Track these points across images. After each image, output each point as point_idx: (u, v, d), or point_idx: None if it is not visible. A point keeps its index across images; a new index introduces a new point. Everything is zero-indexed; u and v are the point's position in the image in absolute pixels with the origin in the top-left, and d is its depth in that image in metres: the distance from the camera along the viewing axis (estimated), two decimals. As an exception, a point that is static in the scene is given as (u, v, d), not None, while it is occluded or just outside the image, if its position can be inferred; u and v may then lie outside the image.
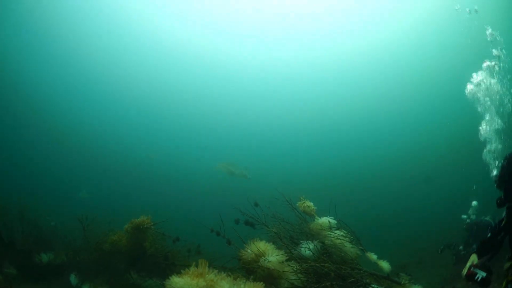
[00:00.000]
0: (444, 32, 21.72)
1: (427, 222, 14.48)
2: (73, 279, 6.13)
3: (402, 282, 4.81)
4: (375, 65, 27.77)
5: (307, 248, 4.29)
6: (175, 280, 3.91)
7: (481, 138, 6.90)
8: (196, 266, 3.84)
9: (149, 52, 27.57)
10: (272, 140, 30.32)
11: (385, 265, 4.63)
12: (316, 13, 24.22)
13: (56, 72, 26.49)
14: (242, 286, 4.06)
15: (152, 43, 26.91)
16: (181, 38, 26.95)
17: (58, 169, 21.20)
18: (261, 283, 4.05)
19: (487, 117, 7.05)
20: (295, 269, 4.16)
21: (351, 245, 4.24)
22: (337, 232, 4.37)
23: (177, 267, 4.89)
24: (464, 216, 6.86)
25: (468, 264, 3.28)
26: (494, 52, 9.08)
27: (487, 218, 6.66)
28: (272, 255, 4.28)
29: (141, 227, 4.91)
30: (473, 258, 3.27)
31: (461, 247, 6.63)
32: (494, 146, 6.55)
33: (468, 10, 14.85)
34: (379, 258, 4.68)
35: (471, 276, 3.18)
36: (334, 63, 28.18)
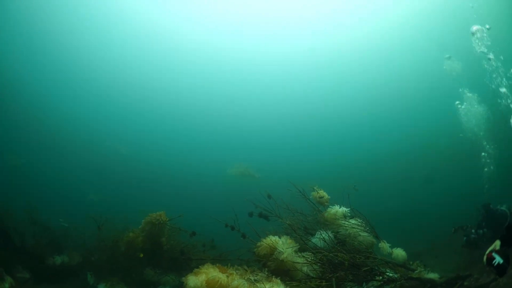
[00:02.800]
0: (445, 27, 21.64)
1: (439, 212, 14.46)
2: (89, 278, 6.19)
3: (418, 270, 4.83)
4: (376, 63, 27.74)
5: (321, 239, 4.30)
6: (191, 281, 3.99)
7: None
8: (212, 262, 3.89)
9: (155, 53, 27.65)
10: (277, 137, 30.40)
11: (400, 253, 4.64)
12: (317, 8, 24.19)
13: (61, 76, 26.68)
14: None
15: (159, 44, 27.01)
16: (191, 38, 27.00)
17: (66, 172, 21.30)
18: (277, 278, 4.09)
19: None
20: (310, 260, 4.18)
21: (366, 234, 4.24)
22: (352, 221, 4.38)
23: (194, 262, 4.93)
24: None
25: (490, 248, 3.27)
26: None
27: (503, 208, 6.64)
28: (286, 248, 4.31)
29: (158, 222, 4.94)
30: (496, 244, 3.26)
31: (473, 231, 6.62)
32: None
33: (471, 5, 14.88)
34: (394, 246, 4.70)
35: (489, 260, 3.19)
36: (335, 61, 28.18)
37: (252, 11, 25.04)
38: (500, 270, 3.18)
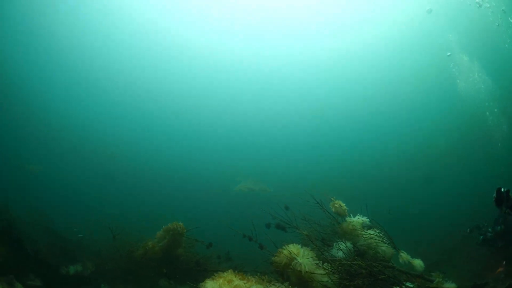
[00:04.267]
0: (444, 28, 21.66)
1: (439, 212, 14.37)
2: (103, 288, 6.20)
3: (436, 280, 4.79)
4: (376, 63, 27.74)
5: (339, 249, 4.29)
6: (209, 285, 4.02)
7: None
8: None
9: (159, 54, 27.83)
10: (276, 140, 30.37)
11: (418, 263, 4.61)
12: (316, 10, 24.24)
13: (66, 78, 26.96)
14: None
15: (163, 47, 27.16)
16: (193, 40, 27.10)
17: (82, 180, 21.31)
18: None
19: None
20: (328, 271, 4.17)
21: (385, 245, 4.22)
22: (370, 231, 4.37)
23: (209, 273, 4.92)
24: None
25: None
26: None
27: None
28: (304, 258, 4.31)
29: (176, 232, 4.95)
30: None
31: (489, 229, 6.53)
32: None
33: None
34: (411, 256, 4.67)
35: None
36: (335, 61, 28.21)
37: (254, 11, 25.15)
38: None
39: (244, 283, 4.21)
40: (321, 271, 4.18)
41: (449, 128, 24.60)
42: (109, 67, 27.43)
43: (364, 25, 25.00)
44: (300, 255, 4.18)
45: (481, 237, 6.56)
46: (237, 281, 4.18)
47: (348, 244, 4.27)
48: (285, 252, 4.25)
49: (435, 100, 26.93)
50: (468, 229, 6.84)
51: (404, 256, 4.44)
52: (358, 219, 4.43)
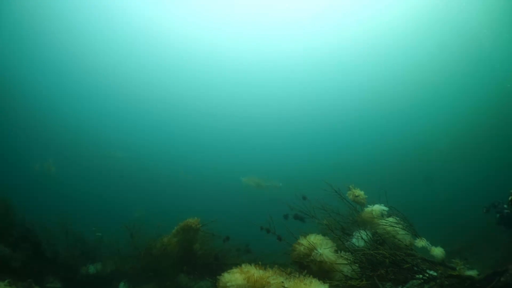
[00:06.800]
0: (445, 26, 21.33)
1: (439, 212, 14.19)
2: (123, 286, 6.27)
3: (458, 268, 4.72)
4: (377, 62, 27.52)
5: (359, 238, 4.26)
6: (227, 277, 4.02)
7: None
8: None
9: (164, 56, 28.09)
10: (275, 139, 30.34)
11: (438, 251, 4.55)
12: (318, 7, 24.08)
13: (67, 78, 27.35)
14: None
15: (168, 48, 27.36)
16: (195, 41, 27.21)
17: (98, 181, 21.57)
18: (315, 278, 4.06)
19: None
20: (350, 260, 4.14)
21: (405, 232, 4.18)
22: (390, 219, 4.33)
23: (228, 267, 4.94)
24: None
25: None
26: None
27: None
28: (324, 248, 4.28)
29: (191, 227, 4.98)
30: None
31: (505, 206, 6.44)
32: None
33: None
34: (432, 244, 4.61)
35: None
36: (335, 60, 28.07)
37: (253, 11, 25.12)
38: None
39: (260, 272, 4.20)
40: (342, 261, 4.16)
41: (449, 128, 24.31)
42: (118, 70, 27.78)
43: (366, 22, 24.72)
44: (320, 245, 4.17)
45: (498, 215, 6.49)
46: (253, 269, 4.18)
47: (368, 232, 4.24)
48: (304, 242, 4.24)
49: (435, 100, 26.61)
50: (484, 209, 6.76)
51: (425, 243, 4.38)
52: (378, 207, 4.39)
